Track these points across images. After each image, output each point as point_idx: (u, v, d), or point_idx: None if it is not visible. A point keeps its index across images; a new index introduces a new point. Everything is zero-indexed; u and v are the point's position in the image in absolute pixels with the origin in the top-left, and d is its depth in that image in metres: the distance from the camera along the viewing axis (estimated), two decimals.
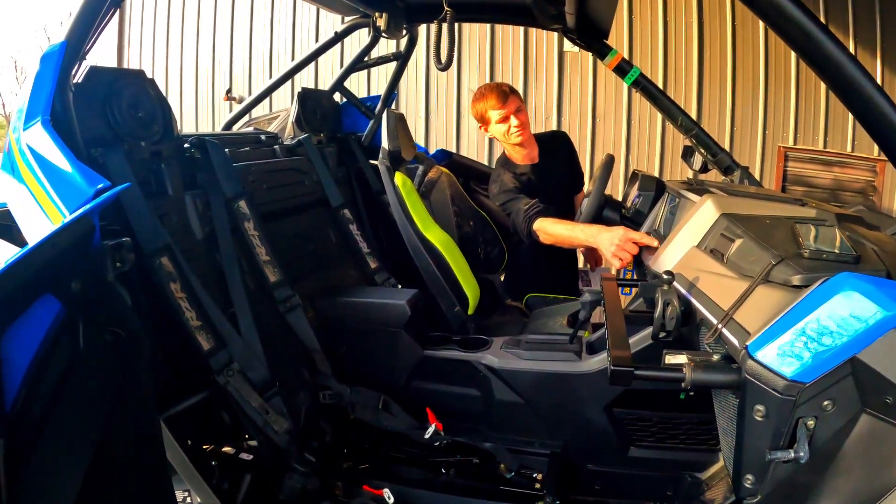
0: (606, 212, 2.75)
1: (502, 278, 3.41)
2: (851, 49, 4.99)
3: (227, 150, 2.46)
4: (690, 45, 5.37)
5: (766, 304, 1.32)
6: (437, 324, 2.66)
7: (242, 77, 6.44)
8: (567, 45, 5.50)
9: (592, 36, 2.85)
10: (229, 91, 6.42)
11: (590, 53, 5.16)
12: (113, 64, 6.55)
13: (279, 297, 2.36)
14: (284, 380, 2.19)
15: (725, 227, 1.70)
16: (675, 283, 1.55)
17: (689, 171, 3.02)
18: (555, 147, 3.27)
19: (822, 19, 4.93)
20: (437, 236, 2.64)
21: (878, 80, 4.85)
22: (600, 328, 2.33)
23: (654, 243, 2.16)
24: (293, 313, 2.38)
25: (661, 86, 3.00)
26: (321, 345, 2.42)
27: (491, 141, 5.64)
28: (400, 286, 3.09)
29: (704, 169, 2.84)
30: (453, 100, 5.81)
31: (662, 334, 1.54)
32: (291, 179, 2.81)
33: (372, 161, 3.41)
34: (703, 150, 2.75)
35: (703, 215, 1.83)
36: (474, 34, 5.68)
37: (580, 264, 3.76)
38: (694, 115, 5.16)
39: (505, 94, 2.92)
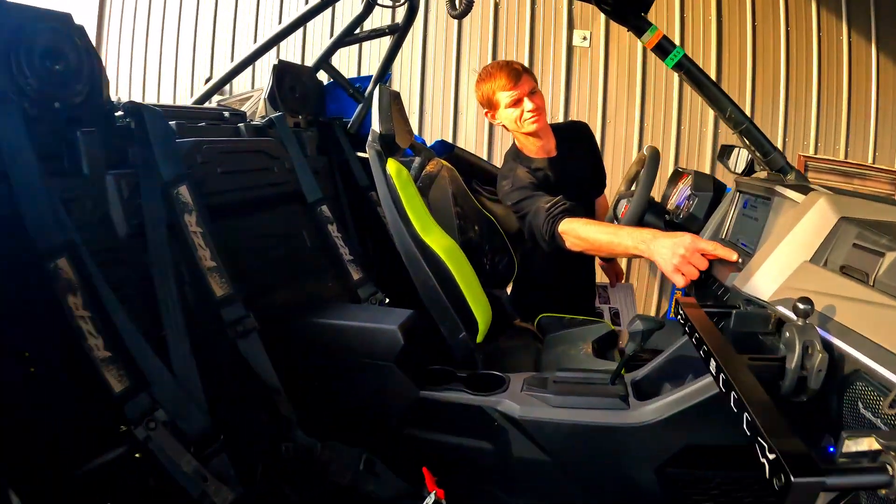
0: (648, 216, 2.27)
1: (509, 292, 2.89)
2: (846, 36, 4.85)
3: (174, 122, 1.94)
4: (709, 47, 4.97)
5: None
6: (437, 352, 2.10)
7: (225, 61, 5.81)
8: (577, 39, 5.04)
9: (631, 8, 2.32)
10: (209, 80, 5.79)
11: (601, 47, 5.03)
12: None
13: (228, 318, 1.79)
14: (233, 431, 1.65)
15: (858, 236, 1.20)
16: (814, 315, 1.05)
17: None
18: (575, 139, 2.76)
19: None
20: (439, 241, 2.07)
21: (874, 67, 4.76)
22: (638, 361, 1.84)
23: (734, 256, 1.64)
24: (247, 340, 1.81)
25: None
26: (287, 381, 1.86)
27: (491, 135, 5.20)
28: (388, 301, 2.55)
29: (749, 170, 2.36)
30: (451, 86, 5.27)
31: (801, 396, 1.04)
32: (256, 164, 2.26)
33: (360, 153, 2.89)
34: (753, 148, 2.26)
35: (813, 220, 1.34)
36: (475, 27, 5.16)
37: (597, 278, 3.22)
38: (710, 123, 4.93)
39: (517, 72, 2.40)
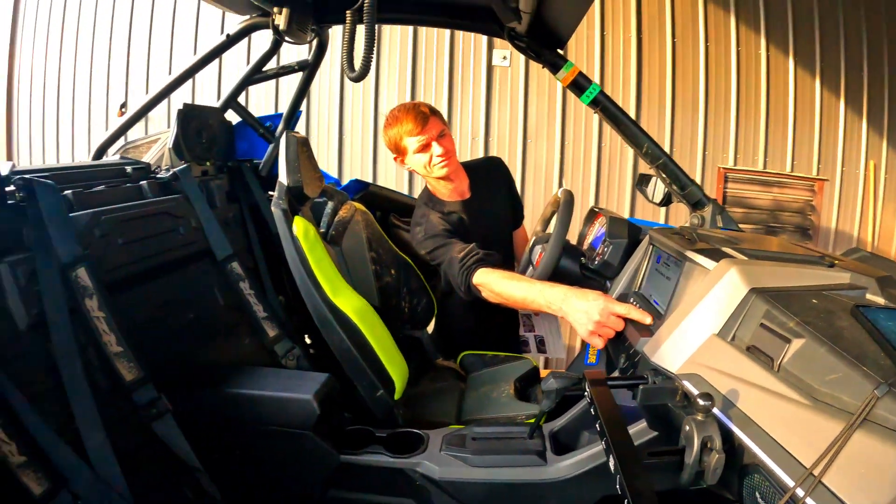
0: (563, 260, 2.25)
1: (429, 330, 2.85)
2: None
3: (70, 192, 1.82)
4: (628, 62, 5.03)
5: (876, 462, 0.84)
6: (357, 408, 2.08)
7: (140, 89, 5.60)
8: (496, 58, 5.05)
9: (546, 44, 2.31)
10: (124, 105, 5.54)
11: (521, 66, 5.00)
12: (1, 77, 5.74)
13: (140, 401, 1.69)
14: None
15: (766, 315, 1.20)
16: (714, 410, 1.04)
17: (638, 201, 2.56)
18: (490, 177, 2.74)
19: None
20: (350, 304, 2.01)
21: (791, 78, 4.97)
22: (563, 410, 1.83)
23: (647, 319, 1.62)
24: (161, 421, 1.71)
25: None
26: (207, 453, 1.77)
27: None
28: (310, 346, 2.53)
29: (666, 201, 2.38)
30: (370, 120, 5.20)
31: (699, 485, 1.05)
32: (161, 228, 2.13)
33: (271, 193, 2.79)
34: (669, 182, 2.28)
35: (724, 291, 1.33)
36: (394, 45, 5.11)
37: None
38: None
39: (424, 115, 2.37)
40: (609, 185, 5.11)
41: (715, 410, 1.08)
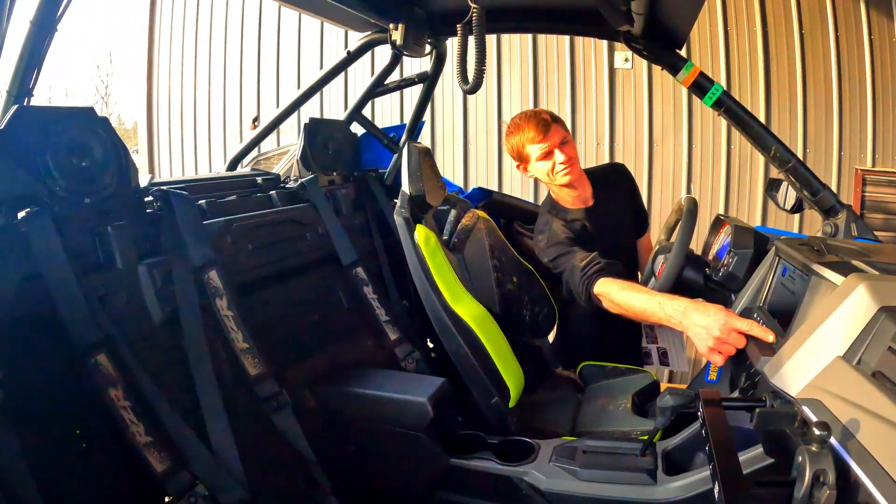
0: (686, 271, 2.19)
1: (550, 340, 2.83)
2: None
3: (203, 201, 1.96)
4: (755, 58, 4.74)
5: None
6: (470, 414, 2.13)
7: (271, 103, 5.92)
8: (618, 60, 4.92)
9: (664, 45, 2.26)
10: (256, 119, 5.84)
11: (644, 68, 4.84)
12: (142, 96, 6.21)
13: (262, 395, 1.83)
14: (270, 500, 1.73)
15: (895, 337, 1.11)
16: (831, 441, 0.99)
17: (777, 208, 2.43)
18: (613, 184, 2.70)
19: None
20: (469, 311, 2.06)
21: None
22: (681, 427, 1.75)
23: (770, 337, 1.55)
24: (281, 414, 1.85)
25: None
26: (321, 447, 1.89)
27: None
28: (433, 349, 2.59)
29: (798, 208, 2.26)
30: (494, 128, 5.21)
31: None
32: (289, 234, 2.28)
33: (396, 201, 2.88)
34: (800, 187, 2.17)
35: (851, 309, 1.24)
36: (514, 51, 5.09)
37: None
38: None
39: (545, 123, 2.36)
40: (739, 190, 4.84)
41: (832, 441, 1.01)
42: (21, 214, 1.42)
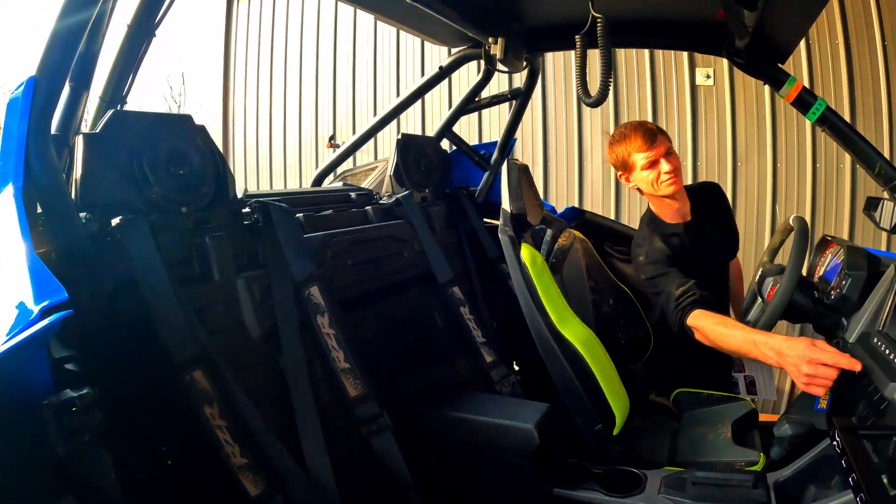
0: (795, 296, 2.09)
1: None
2: None
3: (301, 214, 1.93)
4: (839, 72, 4.53)
5: None
6: (570, 440, 2.04)
7: (346, 122, 5.97)
8: (700, 77, 4.80)
9: (768, 60, 2.17)
10: (332, 138, 5.94)
11: (727, 85, 4.75)
12: (218, 117, 6.35)
13: (362, 416, 1.76)
14: None
15: None
16: None
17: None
18: (708, 202, 2.60)
19: None
20: (576, 333, 1.99)
21: None
22: (793, 456, 1.71)
23: (857, 367, 1.53)
24: (380, 437, 1.77)
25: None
26: (418, 470, 1.81)
27: (618, 194, 5.00)
28: (518, 371, 2.48)
29: None
30: (574, 143, 5.12)
31: None
32: (387, 251, 2.24)
33: (487, 220, 2.85)
34: None
35: None
36: (593, 69, 4.97)
37: None
38: (847, 160, 4.48)
39: (652, 132, 2.31)
40: (826, 209, 4.65)
41: None
42: (115, 221, 1.38)
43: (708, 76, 4.77)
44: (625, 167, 2.38)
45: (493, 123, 5.31)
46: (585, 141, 5.11)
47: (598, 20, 1.65)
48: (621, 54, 4.97)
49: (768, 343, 1.78)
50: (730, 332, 1.94)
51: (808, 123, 4.49)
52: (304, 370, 1.64)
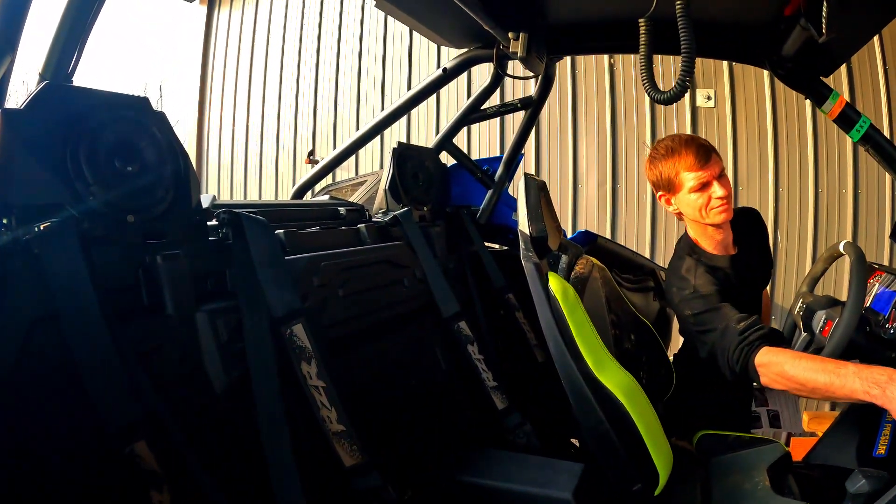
0: None
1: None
2: None
3: (281, 231, 1.57)
4: (878, 88, 4.43)
5: None
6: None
7: (327, 138, 5.71)
8: (700, 98, 4.69)
9: (810, 71, 1.99)
10: (311, 154, 5.59)
11: (727, 107, 4.62)
12: (192, 124, 6.07)
13: (362, 487, 1.41)
14: None
15: None
16: None
17: None
18: (749, 231, 2.35)
19: None
20: (617, 379, 1.69)
21: None
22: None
23: None
24: None
25: None
26: None
27: (615, 210, 4.88)
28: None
29: None
30: (569, 159, 4.96)
31: None
32: (384, 279, 1.88)
33: (489, 244, 2.57)
34: None
35: None
36: (590, 87, 4.87)
37: None
38: (850, 184, 4.49)
39: (706, 150, 2.01)
40: (828, 233, 4.61)
41: None
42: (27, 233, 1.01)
43: (709, 97, 4.73)
44: (669, 187, 2.09)
45: (482, 137, 5.15)
46: (580, 161, 4.99)
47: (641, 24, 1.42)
48: (618, 72, 4.86)
49: (873, 375, 1.51)
50: (815, 365, 1.64)
51: (810, 146, 4.55)
52: (284, 434, 1.26)
